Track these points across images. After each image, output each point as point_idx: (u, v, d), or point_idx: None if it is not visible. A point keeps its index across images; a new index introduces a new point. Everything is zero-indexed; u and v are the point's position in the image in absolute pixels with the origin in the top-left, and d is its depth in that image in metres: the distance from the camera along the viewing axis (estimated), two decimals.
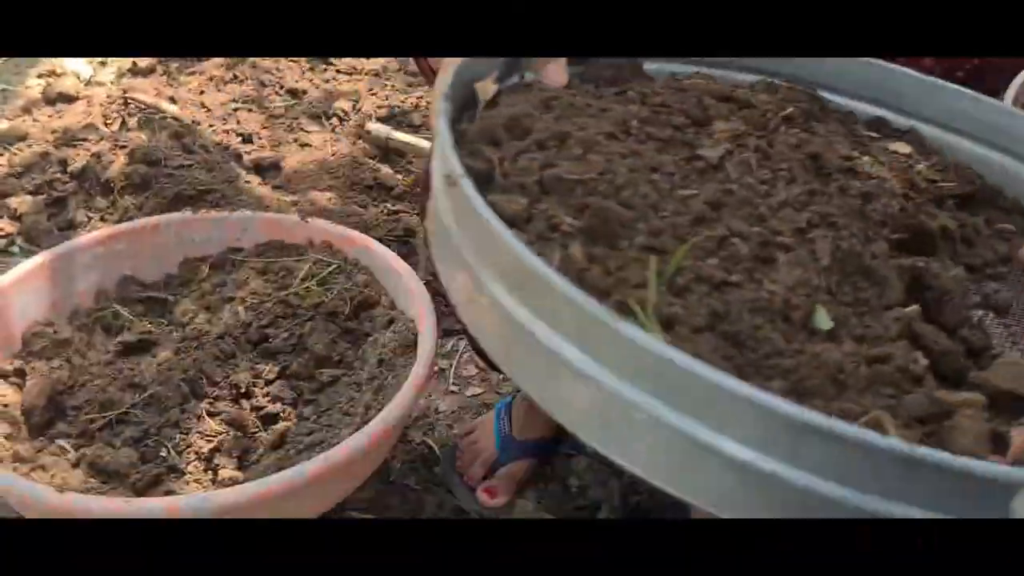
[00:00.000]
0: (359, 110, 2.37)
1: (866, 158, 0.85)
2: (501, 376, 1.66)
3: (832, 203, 0.77)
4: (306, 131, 2.29)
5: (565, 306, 0.55)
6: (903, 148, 0.91)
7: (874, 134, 0.94)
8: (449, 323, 1.76)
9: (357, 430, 1.10)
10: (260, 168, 2.10)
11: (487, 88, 0.79)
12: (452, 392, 1.62)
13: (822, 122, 0.91)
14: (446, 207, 0.66)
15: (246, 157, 2.12)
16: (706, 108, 0.84)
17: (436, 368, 1.67)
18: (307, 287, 1.39)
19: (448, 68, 0.78)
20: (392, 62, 2.67)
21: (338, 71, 2.59)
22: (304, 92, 2.44)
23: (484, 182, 0.66)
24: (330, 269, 1.42)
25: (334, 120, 2.34)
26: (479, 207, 0.60)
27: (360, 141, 2.24)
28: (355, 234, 1.49)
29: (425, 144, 2.21)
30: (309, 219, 1.51)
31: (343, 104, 2.38)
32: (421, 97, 2.47)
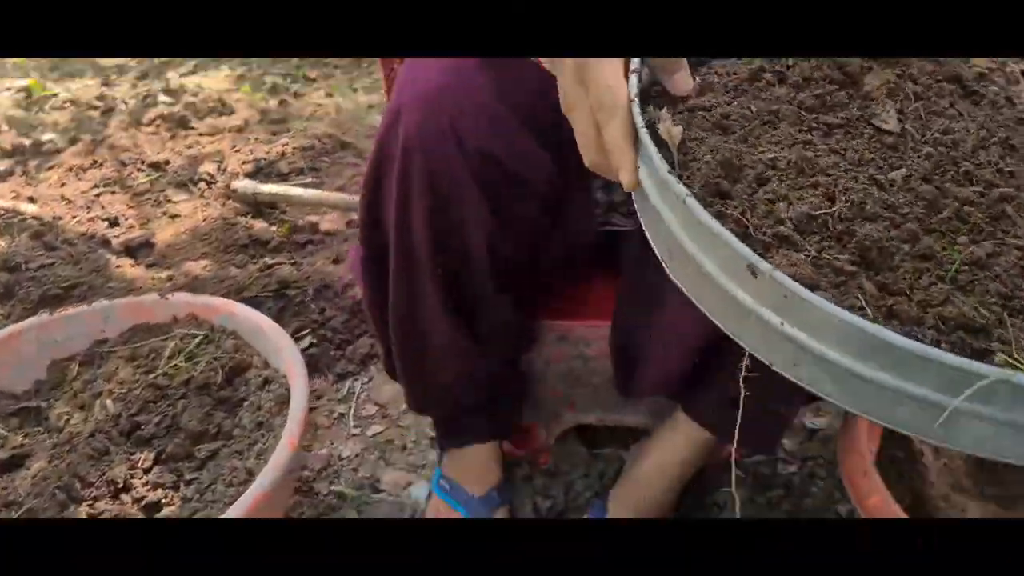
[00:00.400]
0: (225, 170, 2.35)
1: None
2: (402, 409, 1.66)
3: (1001, 124, 0.79)
4: (174, 202, 2.26)
5: (928, 365, 0.60)
6: None
7: None
8: (342, 366, 1.75)
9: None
10: (131, 249, 2.07)
11: (673, 131, 0.75)
12: (354, 435, 1.61)
13: None
14: (734, 286, 0.66)
15: (115, 241, 2.09)
16: (842, 65, 0.83)
17: (333, 417, 1.65)
18: (175, 365, 1.37)
19: (627, 149, 0.75)
20: (255, 115, 2.64)
21: (200, 134, 2.56)
22: (167, 163, 2.41)
23: (741, 240, 0.67)
24: (196, 341, 1.40)
25: (201, 185, 2.31)
26: (812, 299, 0.62)
27: (230, 201, 2.22)
28: (218, 301, 1.47)
29: (295, 191, 2.19)
30: (170, 295, 1.49)
31: (208, 167, 2.36)
32: (286, 144, 2.46)
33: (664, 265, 0.73)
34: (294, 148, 2.45)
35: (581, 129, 0.80)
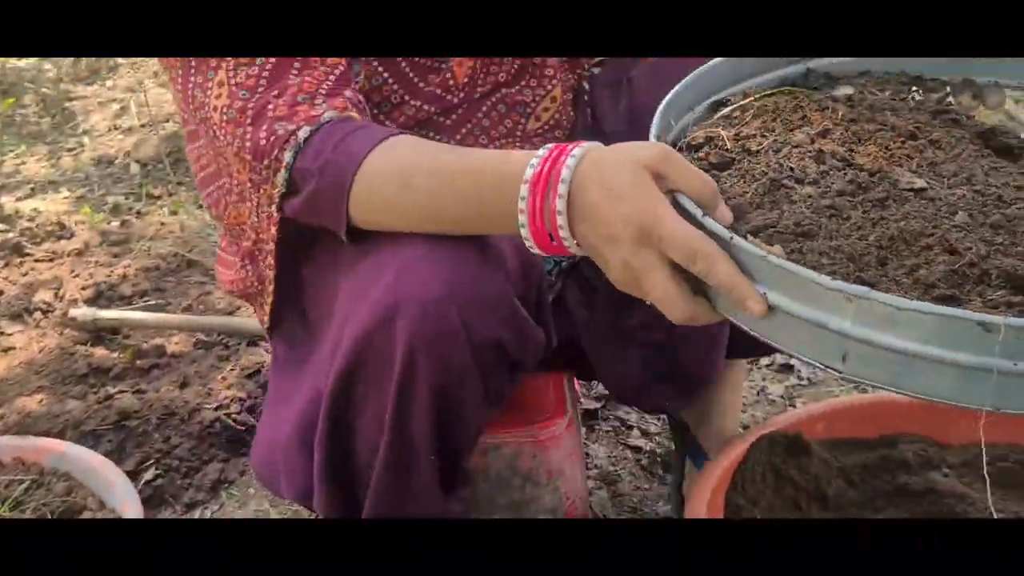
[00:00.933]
0: (63, 297, 2.27)
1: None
2: None
3: (972, 148, 0.97)
4: (7, 334, 2.16)
5: None
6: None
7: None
8: (191, 495, 1.68)
9: None
10: None
11: (775, 250, 0.79)
12: None
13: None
14: (956, 353, 0.71)
15: None
16: (833, 153, 0.93)
17: None
18: None
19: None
20: (95, 237, 2.57)
21: (36, 261, 2.47)
22: (0, 293, 2.31)
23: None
24: (23, 487, 1.34)
25: (37, 314, 2.22)
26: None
27: (68, 329, 2.14)
28: (47, 442, 1.42)
29: (138, 315, 2.14)
30: None
31: (44, 295, 2.27)
32: (129, 266, 2.40)
33: (832, 370, 0.75)
34: (137, 269, 2.38)
35: (662, 288, 0.81)
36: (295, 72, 1.03)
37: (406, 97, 1.16)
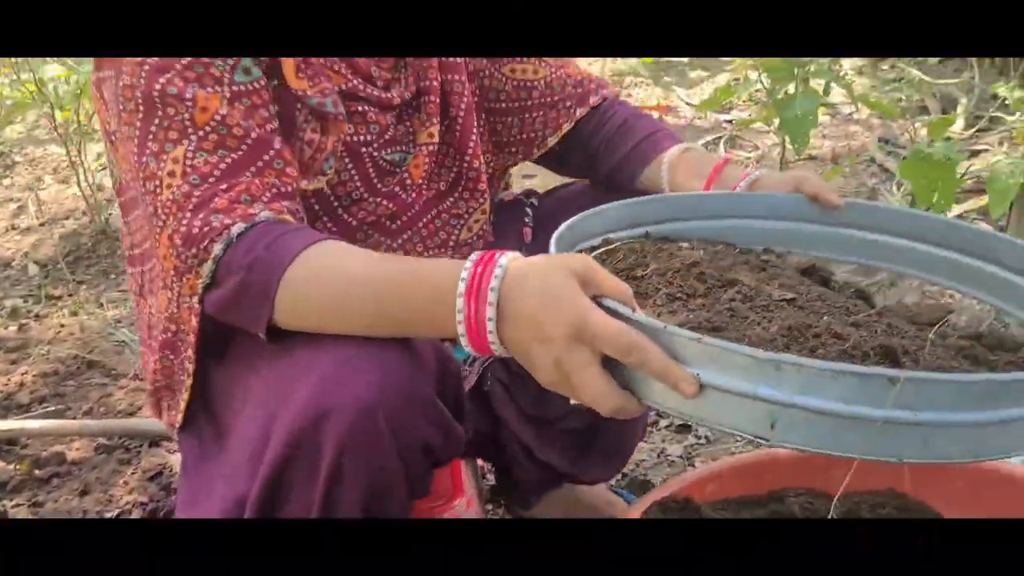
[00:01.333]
0: None
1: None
2: None
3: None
4: None
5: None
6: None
7: None
8: None
9: None
10: None
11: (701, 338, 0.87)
12: None
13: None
14: (867, 409, 0.79)
15: None
16: (714, 274, 1.04)
17: None
18: None
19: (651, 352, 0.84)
20: None
21: None
22: None
23: None
24: None
25: None
26: (951, 378, 0.80)
27: None
28: None
29: (35, 424, 2.09)
30: None
31: None
32: (26, 372, 2.35)
33: (761, 439, 0.82)
34: (35, 376, 2.34)
35: (594, 384, 0.86)
36: (250, 173, 1.05)
37: (366, 194, 1.24)
